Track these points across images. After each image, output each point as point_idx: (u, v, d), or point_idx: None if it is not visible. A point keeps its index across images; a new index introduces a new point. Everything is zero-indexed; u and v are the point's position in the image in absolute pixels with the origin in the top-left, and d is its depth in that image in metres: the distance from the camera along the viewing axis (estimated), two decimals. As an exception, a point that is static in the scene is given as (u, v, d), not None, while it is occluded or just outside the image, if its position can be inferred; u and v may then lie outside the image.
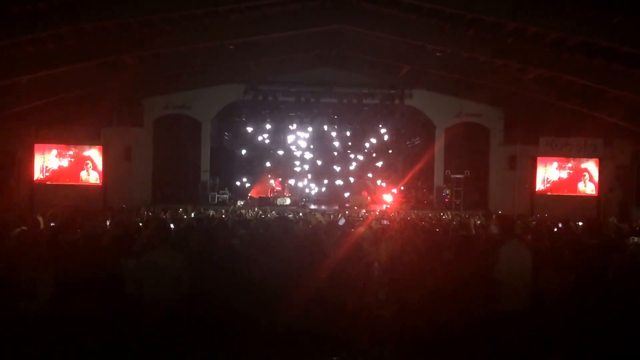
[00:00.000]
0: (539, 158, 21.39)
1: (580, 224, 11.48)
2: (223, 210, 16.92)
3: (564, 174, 21.28)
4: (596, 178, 21.06)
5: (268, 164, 25.73)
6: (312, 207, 21.47)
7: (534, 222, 11.64)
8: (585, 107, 18.52)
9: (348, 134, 25.89)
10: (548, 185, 21.36)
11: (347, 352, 5.55)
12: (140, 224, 10.42)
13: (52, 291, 5.93)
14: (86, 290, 5.95)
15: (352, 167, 26.33)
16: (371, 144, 25.79)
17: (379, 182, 26.04)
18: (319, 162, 26.18)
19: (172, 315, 5.91)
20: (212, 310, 5.89)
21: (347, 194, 24.47)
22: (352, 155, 26.33)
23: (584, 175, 21.17)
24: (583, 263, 6.51)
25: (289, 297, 6.00)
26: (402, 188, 25.06)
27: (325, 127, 25.45)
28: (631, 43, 13.32)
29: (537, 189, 21.32)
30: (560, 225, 10.49)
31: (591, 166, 21.18)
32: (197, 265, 6.31)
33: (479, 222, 11.87)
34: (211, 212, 16.12)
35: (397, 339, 5.86)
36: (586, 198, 20.85)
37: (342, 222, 14.32)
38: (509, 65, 17.55)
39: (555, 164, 21.38)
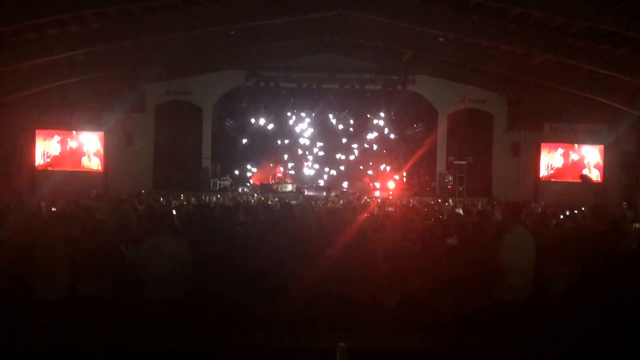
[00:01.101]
0: (543, 144, 21.26)
1: (584, 209, 11.42)
2: (224, 197, 16.89)
3: (568, 160, 21.17)
4: (601, 164, 20.93)
5: (269, 151, 25.66)
6: (310, 193, 21.45)
7: (539, 209, 11.57)
8: (591, 93, 18.39)
9: (350, 120, 25.78)
10: (552, 171, 21.25)
11: (352, 339, 5.51)
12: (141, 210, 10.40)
13: (69, 276, 5.99)
14: (90, 276, 5.98)
15: (353, 154, 26.28)
16: (373, 130, 25.70)
17: (382, 167, 25.99)
18: (321, 149, 26.13)
19: (174, 301, 5.90)
20: (216, 297, 5.87)
21: (344, 183, 24.40)
22: (353, 142, 26.26)
23: (589, 162, 21.05)
24: (589, 250, 6.43)
25: (292, 284, 5.97)
26: (404, 175, 24.99)
27: (327, 114, 25.35)
28: (636, 28, 13.17)
29: (541, 176, 21.23)
30: (567, 212, 10.41)
31: (596, 152, 21.05)
32: (199, 251, 6.29)
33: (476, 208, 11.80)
34: (213, 199, 16.12)
35: (402, 327, 5.82)
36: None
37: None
38: (513, 50, 17.39)
39: (559, 151, 21.25)
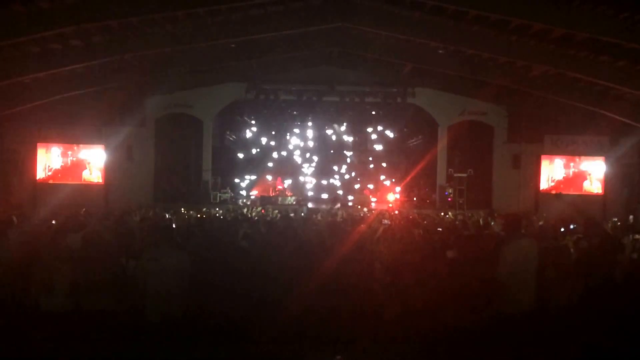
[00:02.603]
0: (543, 156, 21.23)
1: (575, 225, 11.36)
2: (222, 209, 16.87)
3: (569, 173, 21.12)
4: (602, 176, 20.89)
5: (270, 163, 25.67)
6: (311, 205, 21.43)
7: (541, 222, 11.52)
8: (591, 104, 18.36)
9: (350, 132, 25.82)
10: (553, 184, 21.19)
11: (350, 352, 5.49)
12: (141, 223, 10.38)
13: (69, 288, 5.96)
14: (89, 288, 5.96)
15: (353, 167, 26.30)
16: (373, 142, 25.72)
17: (382, 179, 25.97)
18: (321, 161, 26.14)
19: (174, 313, 5.88)
20: (215, 309, 5.84)
21: (340, 191, 24.39)
22: (353, 155, 26.29)
23: (590, 174, 21.00)
24: (588, 263, 6.40)
25: (291, 297, 5.94)
26: (404, 187, 24.96)
27: (327, 126, 25.39)
28: (638, 40, 13.17)
29: (541, 188, 21.17)
30: (571, 226, 10.32)
31: (597, 164, 21.00)
32: (199, 264, 6.27)
33: (481, 221, 11.73)
34: (213, 212, 16.11)
35: (401, 339, 5.79)
36: (592, 197, 20.67)
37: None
38: (513, 62, 17.40)
39: (560, 163, 21.22)
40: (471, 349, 5.45)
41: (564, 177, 21.16)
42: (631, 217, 13.58)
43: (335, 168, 26.45)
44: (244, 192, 24.43)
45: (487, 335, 5.57)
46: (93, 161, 20.69)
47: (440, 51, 17.60)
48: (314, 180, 26.25)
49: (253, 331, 5.65)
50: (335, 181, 26.25)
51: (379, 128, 25.20)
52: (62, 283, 5.97)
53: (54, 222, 11.06)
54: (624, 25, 12.83)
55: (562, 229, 9.96)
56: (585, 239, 7.32)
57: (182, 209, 16.24)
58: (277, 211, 16.61)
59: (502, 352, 5.44)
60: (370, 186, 25.74)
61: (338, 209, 19.32)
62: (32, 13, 12.92)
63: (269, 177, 25.30)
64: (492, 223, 10.91)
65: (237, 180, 24.74)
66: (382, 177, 26.10)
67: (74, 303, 5.98)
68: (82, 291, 6.01)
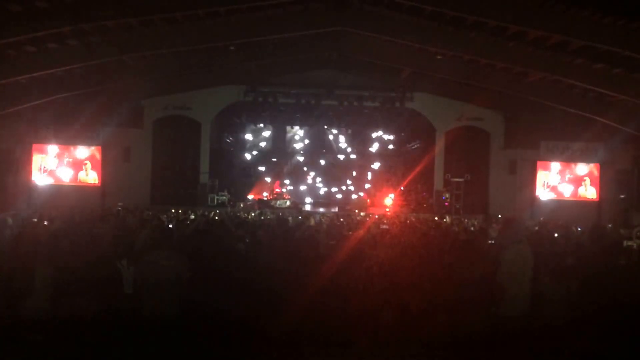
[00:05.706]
0: (539, 162, 21.32)
1: (580, 228, 11.42)
2: (222, 212, 16.85)
3: (565, 178, 21.22)
4: (597, 183, 20.98)
5: (267, 166, 25.66)
6: (310, 208, 21.46)
7: (536, 227, 11.57)
8: (587, 111, 18.47)
9: (348, 136, 25.86)
10: (548, 189, 21.28)
11: (348, 355, 5.50)
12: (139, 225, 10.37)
13: (51, 291, 5.88)
14: (85, 290, 5.92)
15: (351, 170, 26.33)
16: (371, 146, 25.76)
17: (380, 183, 25.99)
18: (319, 165, 26.16)
19: (172, 316, 5.87)
20: (213, 313, 5.84)
21: (339, 196, 24.44)
22: (351, 159, 26.32)
23: (585, 180, 21.10)
24: (586, 269, 6.41)
25: (289, 301, 5.94)
26: (402, 191, 24.98)
27: (326, 130, 25.42)
28: (633, 47, 13.25)
29: (537, 194, 21.24)
30: (578, 228, 10.37)
31: (592, 171, 21.10)
32: (197, 267, 6.26)
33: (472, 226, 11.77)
34: (211, 214, 16.08)
35: (398, 342, 5.80)
36: (587, 203, 20.77)
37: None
38: (510, 68, 17.49)
39: (555, 169, 21.31)
40: (467, 352, 5.47)
41: (559, 183, 21.25)
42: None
43: (333, 172, 26.46)
44: (241, 195, 24.38)
45: (483, 338, 5.59)
46: (90, 162, 20.65)
47: (439, 56, 17.67)
48: (311, 184, 26.25)
49: (250, 334, 5.65)
50: (334, 185, 26.26)
51: (377, 132, 25.23)
52: (44, 287, 5.87)
53: (45, 222, 11.05)
54: (620, 34, 12.92)
55: (556, 234, 10.01)
56: (589, 244, 7.33)
57: (180, 210, 16.23)
58: (273, 214, 16.61)
59: (497, 355, 5.46)
60: (368, 188, 25.79)
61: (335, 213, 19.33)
62: (29, 12, 12.87)
63: (267, 180, 25.29)
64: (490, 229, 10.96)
65: (234, 183, 24.70)
66: (380, 181, 26.11)
67: (55, 307, 5.88)
68: (65, 294, 5.91)
